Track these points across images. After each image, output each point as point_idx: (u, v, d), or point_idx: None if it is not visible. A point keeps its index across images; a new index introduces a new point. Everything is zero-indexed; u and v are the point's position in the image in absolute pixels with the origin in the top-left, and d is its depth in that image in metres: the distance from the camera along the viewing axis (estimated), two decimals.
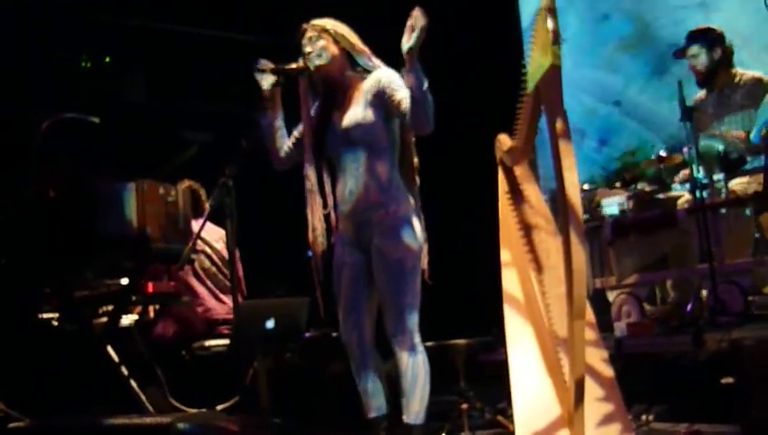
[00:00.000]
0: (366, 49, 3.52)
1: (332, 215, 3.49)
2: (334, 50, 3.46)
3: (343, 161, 3.45)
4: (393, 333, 3.35)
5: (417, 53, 3.14)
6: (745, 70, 5.23)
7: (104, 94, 6.82)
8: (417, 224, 3.43)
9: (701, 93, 5.32)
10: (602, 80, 7.69)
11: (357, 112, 3.41)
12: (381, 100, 3.38)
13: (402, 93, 3.30)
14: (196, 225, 4.37)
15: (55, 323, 4.33)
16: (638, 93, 7.46)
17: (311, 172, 3.48)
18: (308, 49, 3.45)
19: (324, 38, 3.46)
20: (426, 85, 3.20)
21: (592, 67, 7.71)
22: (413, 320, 3.35)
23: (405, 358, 3.33)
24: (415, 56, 3.15)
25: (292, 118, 3.58)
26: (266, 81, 3.49)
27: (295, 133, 3.59)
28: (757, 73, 5.17)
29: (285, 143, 3.57)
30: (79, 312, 4.29)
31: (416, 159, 3.54)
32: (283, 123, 3.57)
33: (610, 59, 7.64)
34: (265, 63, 3.48)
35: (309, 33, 3.47)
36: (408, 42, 3.11)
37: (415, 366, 3.33)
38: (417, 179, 3.54)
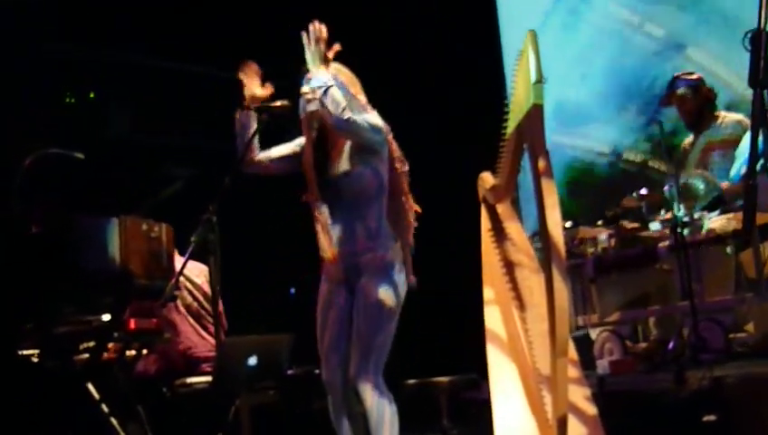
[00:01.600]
0: (363, 99, 3.53)
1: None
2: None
3: (334, 208, 3.49)
4: (357, 372, 3.36)
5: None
6: (729, 113, 5.32)
7: (88, 130, 6.81)
8: (402, 271, 3.46)
9: (690, 138, 5.42)
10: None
11: (343, 164, 3.46)
12: (358, 145, 3.41)
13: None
14: (178, 261, 4.36)
15: (35, 360, 4.29)
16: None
17: (323, 208, 3.50)
18: (305, 91, 3.45)
19: None
20: (316, 83, 3.30)
21: None
22: (379, 362, 3.38)
23: (369, 398, 3.34)
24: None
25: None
26: (254, 85, 3.52)
27: (281, 147, 3.61)
28: (739, 115, 5.26)
29: (267, 155, 3.59)
30: (60, 348, 4.25)
31: (416, 207, 3.57)
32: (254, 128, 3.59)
33: None
34: (251, 68, 3.51)
35: (310, 75, 3.49)
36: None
37: (380, 405, 3.33)
38: (414, 222, 3.57)
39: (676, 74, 5.44)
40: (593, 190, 7.56)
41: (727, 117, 5.28)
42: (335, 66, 3.51)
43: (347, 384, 3.47)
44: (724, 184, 4.98)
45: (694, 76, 5.34)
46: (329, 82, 3.31)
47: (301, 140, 3.61)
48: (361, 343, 3.38)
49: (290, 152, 3.62)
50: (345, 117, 3.30)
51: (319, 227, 3.53)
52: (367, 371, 3.35)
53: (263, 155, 3.61)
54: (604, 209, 5.58)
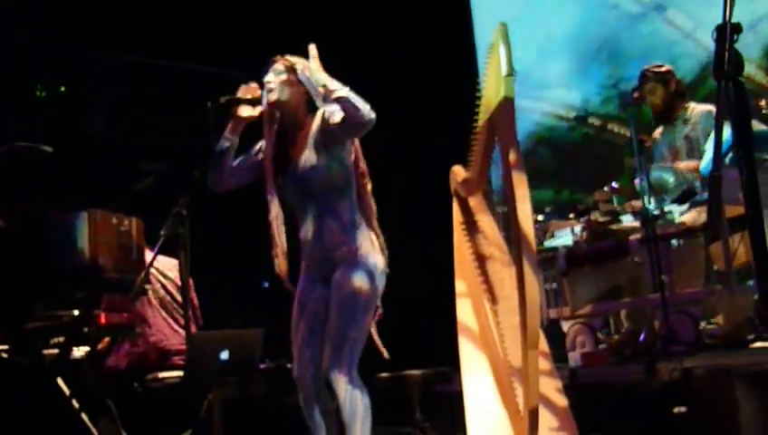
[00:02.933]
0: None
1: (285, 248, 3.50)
2: (293, 88, 3.46)
3: (303, 203, 3.47)
4: (331, 365, 3.35)
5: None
6: (698, 104, 5.35)
7: (59, 124, 6.76)
8: (378, 263, 3.46)
9: (659, 129, 5.44)
10: None
11: (310, 157, 3.43)
12: (325, 136, 3.40)
13: (334, 113, 3.33)
14: (149, 254, 4.34)
15: (5, 356, 4.25)
16: None
17: (273, 203, 3.49)
18: (269, 79, 3.46)
19: (288, 75, 3.46)
20: (334, 86, 3.27)
21: None
22: (353, 355, 3.37)
23: (343, 391, 3.33)
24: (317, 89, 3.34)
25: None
26: (245, 110, 3.49)
27: (244, 159, 3.59)
28: (708, 106, 5.29)
29: (231, 166, 3.57)
30: (30, 344, 4.22)
31: (374, 207, 3.57)
32: (233, 150, 3.57)
33: None
34: (251, 89, 3.50)
35: (276, 66, 3.48)
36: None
37: (353, 399, 3.32)
38: (375, 223, 3.56)
39: (644, 67, 5.46)
40: (553, 153, 7.67)
41: (696, 108, 5.31)
42: (303, 62, 3.50)
43: (318, 380, 3.47)
44: (692, 163, 5.01)
45: (663, 69, 5.36)
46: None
47: (259, 145, 3.59)
48: (335, 336, 3.37)
49: (254, 161, 3.59)
50: (372, 116, 3.29)
51: (273, 232, 3.50)
52: (340, 364, 3.34)
53: (230, 176, 3.57)
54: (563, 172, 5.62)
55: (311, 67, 3.42)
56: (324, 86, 3.30)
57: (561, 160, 7.69)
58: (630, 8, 7.35)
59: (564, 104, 7.77)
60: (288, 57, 3.51)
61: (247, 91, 3.52)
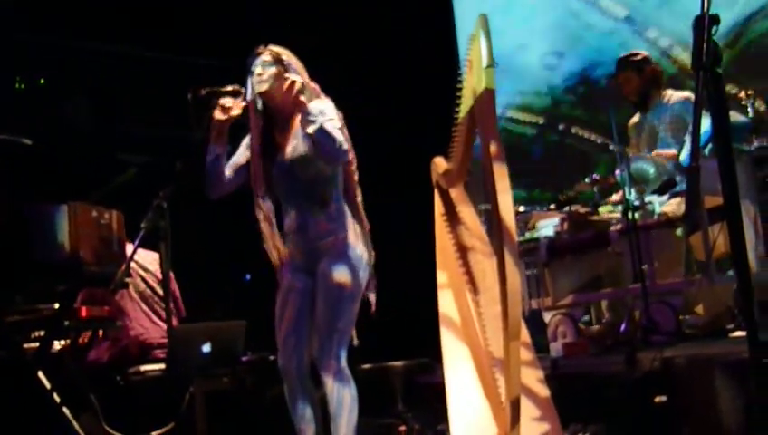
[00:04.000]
0: (316, 86, 3.51)
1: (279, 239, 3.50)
2: (281, 81, 3.45)
3: (289, 193, 3.47)
4: (320, 355, 3.37)
5: (297, 101, 3.30)
6: (675, 91, 5.37)
7: (39, 116, 6.71)
8: (363, 254, 3.46)
9: (636, 117, 5.46)
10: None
11: (298, 146, 3.43)
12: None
13: (312, 126, 3.31)
14: (129, 247, 4.32)
15: None
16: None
17: (264, 196, 3.48)
18: (258, 70, 3.44)
19: (278, 66, 3.45)
20: (317, 124, 3.26)
21: None
22: (341, 346, 3.38)
23: (330, 382, 3.34)
24: (296, 98, 3.30)
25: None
26: (222, 111, 3.46)
27: (234, 160, 3.58)
28: (686, 93, 5.31)
29: (225, 173, 3.55)
30: (9, 337, 4.19)
31: (360, 196, 3.57)
32: (225, 157, 3.55)
33: None
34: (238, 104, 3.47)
35: (263, 57, 3.47)
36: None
37: (340, 391, 3.34)
38: (362, 212, 3.56)
39: (621, 55, 5.49)
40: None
41: (674, 95, 5.32)
42: (287, 53, 3.49)
43: (303, 369, 3.47)
44: (670, 151, 5.03)
45: (638, 57, 5.38)
46: (333, 114, 3.32)
47: (247, 141, 3.58)
48: (324, 327, 3.38)
49: (245, 160, 3.58)
50: (345, 148, 3.33)
51: (263, 224, 3.49)
52: (329, 355, 3.35)
53: (225, 181, 3.56)
54: None
55: (298, 68, 3.44)
56: (304, 110, 3.30)
57: (533, 166, 7.70)
58: (604, 24, 7.36)
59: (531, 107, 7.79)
60: (272, 47, 3.51)
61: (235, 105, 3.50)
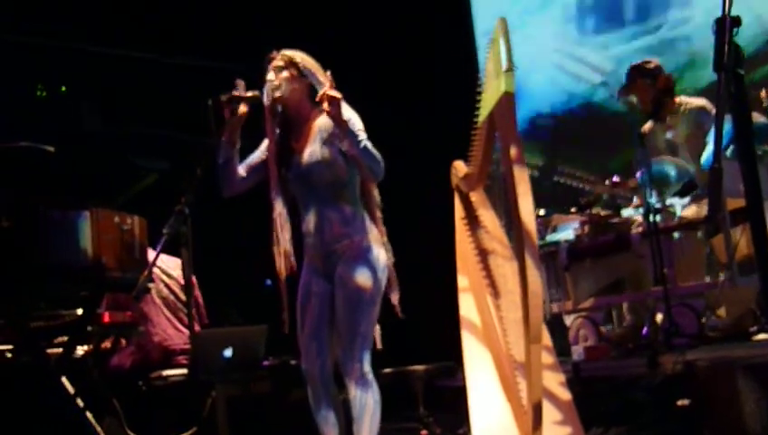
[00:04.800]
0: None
1: (290, 245, 3.50)
2: (296, 84, 3.47)
3: (306, 196, 3.48)
4: (343, 360, 3.38)
5: (341, 120, 3.26)
6: (689, 98, 5.33)
7: (60, 123, 6.76)
8: (381, 256, 3.46)
9: (648, 124, 5.42)
10: None
11: (315, 150, 3.44)
12: (336, 137, 3.41)
13: (357, 147, 3.34)
14: (152, 254, 4.34)
15: (9, 355, 4.26)
16: None
17: (277, 201, 3.50)
18: (271, 77, 3.46)
19: (290, 70, 3.47)
20: (362, 143, 3.30)
21: None
22: (365, 349, 3.38)
23: (354, 386, 3.34)
24: (342, 123, 3.27)
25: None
26: (231, 111, 3.48)
27: (250, 160, 3.59)
28: (701, 101, 5.26)
29: (238, 171, 3.57)
30: (33, 343, 4.22)
31: (378, 198, 3.58)
32: (237, 156, 3.57)
33: None
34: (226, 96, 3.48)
35: (276, 62, 3.48)
36: (332, 114, 3.27)
37: (363, 395, 3.34)
38: (380, 214, 3.57)
39: (633, 64, 5.44)
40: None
41: (689, 103, 5.27)
42: (300, 55, 3.50)
43: (327, 373, 3.48)
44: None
45: (651, 65, 5.34)
46: (360, 123, 3.36)
47: (266, 143, 3.60)
48: (345, 332, 3.38)
49: (261, 161, 3.59)
50: (379, 172, 3.37)
51: (275, 230, 3.51)
52: (353, 359, 3.35)
53: (238, 181, 3.58)
54: None
55: (313, 69, 3.44)
56: (345, 125, 3.31)
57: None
58: None
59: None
60: (285, 52, 3.52)
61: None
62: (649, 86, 5.28)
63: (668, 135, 5.28)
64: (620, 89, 5.43)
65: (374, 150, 3.33)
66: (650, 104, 5.31)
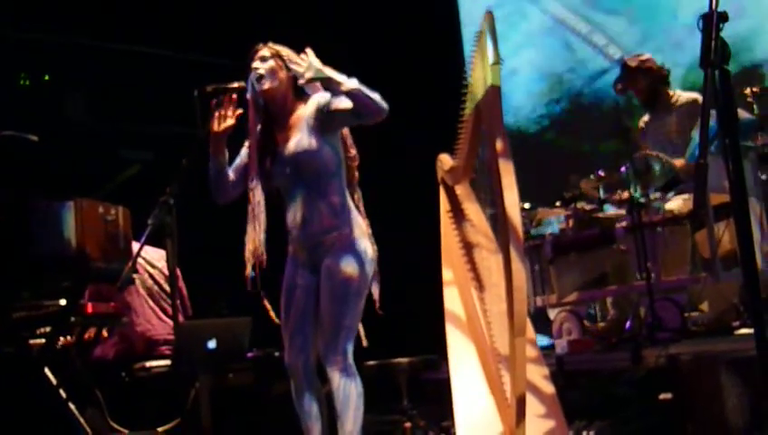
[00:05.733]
0: (318, 84, 3.51)
1: (263, 238, 3.49)
2: (282, 75, 3.46)
3: (293, 187, 3.46)
4: (325, 352, 3.37)
5: (314, 74, 3.28)
6: (682, 92, 5.38)
7: (44, 112, 6.72)
8: (368, 248, 3.46)
9: (646, 116, 5.46)
10: None
11: (302, 139, 3.41)
12: (322, 122, 3.40)
13: (340, 100, 3.33)
14: (136, 245, 4.33)
15: None
16: None
17: (257, 189, 3.48)
18: (257, 66, 3.45)
19: (276, 61, 3.46)
20: (348, 81, 3.27)
21: None
22: (348, 342, 3.37)
23: (337, 379, 3.33)
24: (318, 77, 3.29)
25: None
26: (218, 122, 3.45)
27: (237, 163, 3.58)
28: (693, 94, 5.31)
29: (230, 179, 3.55)
30: (16, 333, 4.20)
31: (359, 193, 3.57)
32: (227, 165, 3.55)
33: None
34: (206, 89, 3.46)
35: (262, 53, 3.48)
36: (304, 74, 3.28)
37: (347, 387, 3.33)
38: (362, 208, 3.57)
39: (626, 58, 5.50)
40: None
41: (682, 95, 5.34)
42: (286, 49, 3.49)
43: (310, 367, 3.47)
44: (678, 161, 5.02)
45: (643, 57, 5.38)
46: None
47: (242, 157, 3.59)
48: (329, 324, 3.37)
49: (248, 162, 3.58)
50: (385, 104, 3.32)
51: (249, 219, 3.50)
52: (336, 351, 3.34)
53: (231, 187, 3.56)
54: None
55: (306, 56, 3.43)
56: (330, 79, 3.29)
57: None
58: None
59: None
60: (271, 44, 3.51)
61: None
62: (642, 78, 5.32)
63: (662, 126, 5.31)
64: (615, 83, 5.48)
65: (368, 90, 3.29)
66: (645, 94, 5.37)
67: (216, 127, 3.44)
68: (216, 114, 3.44)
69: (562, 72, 7.65)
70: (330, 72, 3.29)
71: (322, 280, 3.42)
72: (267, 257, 3.48)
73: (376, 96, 3.28)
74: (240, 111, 3.47)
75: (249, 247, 3.48)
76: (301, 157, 3.41)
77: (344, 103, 3.32)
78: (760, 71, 6.40)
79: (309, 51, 3.32)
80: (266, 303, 3.49)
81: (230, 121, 3.45)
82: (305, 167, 3.41)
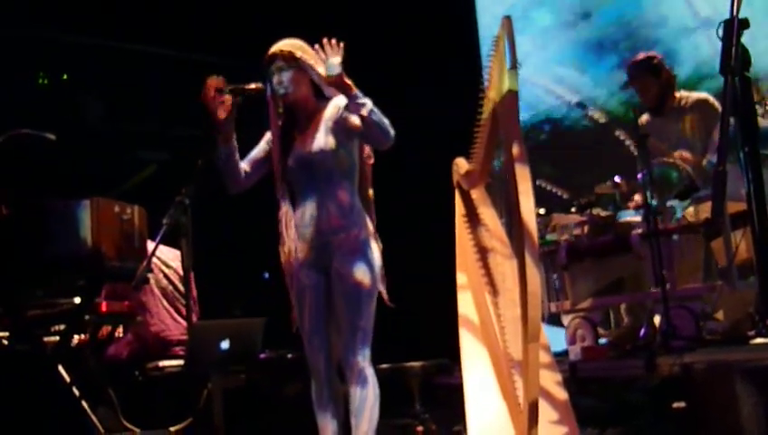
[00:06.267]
0: None
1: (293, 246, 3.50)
2: (301, 81, 3.46)
3: (304, 186, 3.47)
4: (345, 354, 3.38)
5: (341, 79, 3.26)
6: (689, 93, 5.31)
7: (61, 112, 6.76)
8: (375, 248, 3.46)
9: (645, 116, 5.38)
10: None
11: (320, 139, 3.43)
12: (341, 125, 3.42)
13: (353, 115, 3.34)
14: (151, 245, 4.34)
15: (6, 343, 4.26)
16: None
17: (285, 194, 3.49)
18: (276, 79, 3.45)
19: (293, 69, 3.45)
20: (369, 106, 3.28)
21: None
22: (365, 343, 3.38)
23: (355, 380, 3.35)
24: (343, 82, 3.27)
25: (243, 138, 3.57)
26: (223, 109, 3.45)
27: (253, 155, 3.59)
28: (702, 94, 5.25)
29: (242, 168, 3.56)
30: (30, 331, 4.22)
31: (371, 191, 3.58)
32: (236, 151, 3.55)
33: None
34: (217, 81, 3.45)
35: (279, 63, 3.46)
36: (326, 71, 3.26)
37: (364, 388, 3.34)
38: (372, 206, 3.57)
39: (636, 59, 5.40)
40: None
41: (690, 97, 5.25)
42: (299, 47, 3.48)
43: (331, 366, 3.49)
44: (686, 154, 4.98)
45: (655, 60, 5.29)
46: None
47: (268, 136, 3.59)
48: (345, 327, 3.39)
49: (264, 155, 3.59)
50: (390, 135, 3.36)
51: (281, 226, 3.51)
52: (354, 353, 3.36)
53: (243, 177, 3.56)
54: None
55: (314, 63, 3.42)
56: (349, 94, 3.30)
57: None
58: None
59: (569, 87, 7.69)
60: (283, 47, 3.49)
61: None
62: (653, 81, 5.26)
63: (669, 129, 5.25)
64: (625, 83, 5.41)
65: (381, 115, 3.32)
66: (654, 99, 5.28)
67: (221, 114, 3.44)
68: (219, 102, 3.44)
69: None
70: (352, 87, 3.30)
71: (333, 284, 3.44)
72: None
73: (385, 124, 3.32)
74: (260, 85, 3.48)
75: (284, 251, 3.49)
76: (318, 156, 3.42)
77: (356, 121, 3.34)
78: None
79: (340, 47, 3.29)
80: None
81: (228, 105, 3.44)
82: (320, 166, 3.43)
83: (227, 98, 3.43)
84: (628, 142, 5.55)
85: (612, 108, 7.32)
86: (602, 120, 7.38)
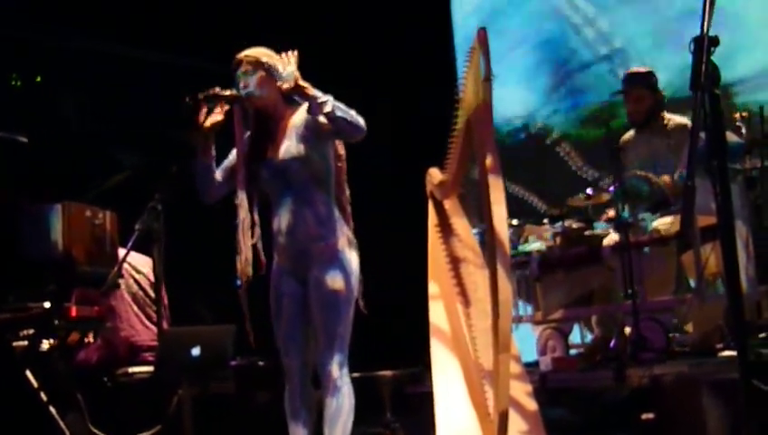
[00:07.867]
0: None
1: (260, 245, 3.49)
2: (268, 85, 3.46)
3: (280, 194, 3.45)
4: (321, 361, 3.37)
5: (297, 84, 3.28)
6: (673, 115, 5.34)
7: (34, 114, 6.70)
8: (353, 258, 3.46)
9: (630, 133, 5.41)
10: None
11: (291, 146, 3.42)
12: (312, 129, 3.40)
13: (327, 106, 3.33)
14: (122, 251, 4.31)
15: None
16: None
17: (243, 201, 3.48)
18: (242, 83, 3.45)
19: (259, 72, 3.45)
20: (330, 102, 3.28)
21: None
22: (342, 351, 3.37)
23: (331, 388, 3.34)
24: (299, 87, 3.29)
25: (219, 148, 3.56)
26: (210, 118, 3.45)
27: (225, 164, 3.58)
28: (684, 120, 5.27)
29: (216, 178, 3.55)
30: None
31: (347, 192, 3.58)
32: (214, 162, 3.55)
33: None
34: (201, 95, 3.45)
35: (244, 67, 3.46)
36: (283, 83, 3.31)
37: (339, 396, 3.34)
38: (349, 209, 3.57)
39: (634, 70, 5.41)
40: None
41: (672, 120, 5.27)
42: (265, 53, 3.48)
43: (305, 371, 3.48)
44: (666, 177, 5.01)
45: (653, 78, 5.29)
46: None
47: (230, 160, 3.58)
48: (323, 335, 3.38)
49: (236, 164, 3.58)
50: (362, 122, 3.35)
51: (240, 234, 3.49)
52: (330, 361, 3.35)
53: (216, 188, 3.55)
54: None
55: (280, 69, 3.42)
56: (308, 96, 3.31)
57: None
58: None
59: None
60: (249, 53, 3.49)
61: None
62: (649, 94, 5.25)
63: (650, 147, 5.26)
64: (617, 93, 5.37)
65: (346, 108, 3.31)
66: (644, 114, 5.27)
67: (203, 122, 3.44)
68: (204, 109, 3.43)
69: None
70: (309, 89, 3.30)
71: (310, 292, 3.42)
72: (253, 266, 3.48)
73: (352, 115, 3.32)
74: (227, 107, 3.47)
75: (240, 266, 3.48)
76: (289, 164, 3.41)
77: (324, 120, 3.34)
78: (731, 90, 6.37)
79: (293, 55, 3.32)
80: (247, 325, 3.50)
81: (218, 117, 3.45)
82: (293, 174, 3.41)
83: (217, 109, 3.43)
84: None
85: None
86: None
